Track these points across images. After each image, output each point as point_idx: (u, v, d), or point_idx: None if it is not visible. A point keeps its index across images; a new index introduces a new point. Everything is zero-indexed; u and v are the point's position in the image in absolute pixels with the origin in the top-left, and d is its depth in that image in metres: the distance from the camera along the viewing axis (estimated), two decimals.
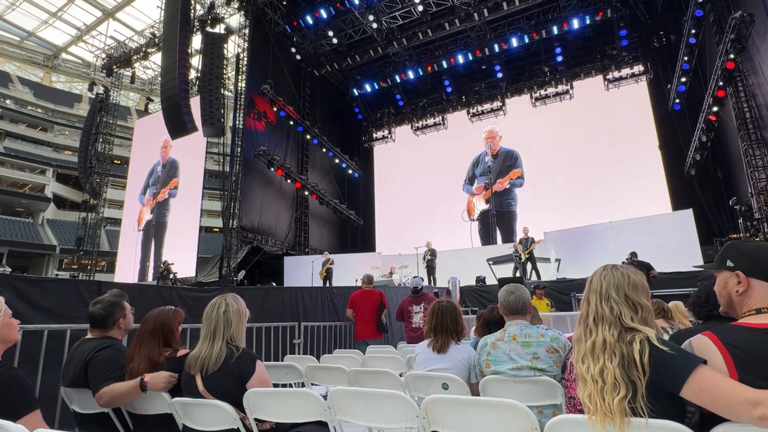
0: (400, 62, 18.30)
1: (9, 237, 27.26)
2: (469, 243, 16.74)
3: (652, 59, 15.99)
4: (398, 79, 18.75)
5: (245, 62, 14.90)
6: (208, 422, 2.12)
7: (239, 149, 14.25)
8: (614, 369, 1.30)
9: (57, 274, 27.18)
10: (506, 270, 11.54)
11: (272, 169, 15.53)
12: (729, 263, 1.40)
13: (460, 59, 17.17)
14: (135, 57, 19.83)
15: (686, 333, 1.90)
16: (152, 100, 25.33)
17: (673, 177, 14.67)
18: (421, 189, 19.53)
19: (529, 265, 11.29)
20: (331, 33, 16.60)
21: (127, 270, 17.92)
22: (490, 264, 11.79)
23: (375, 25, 16.10)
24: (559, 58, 16.99)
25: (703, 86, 12.32)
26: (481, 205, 17.99)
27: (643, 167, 15.29)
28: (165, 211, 17.66)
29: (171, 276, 13.55)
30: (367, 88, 19.44)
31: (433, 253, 12.88)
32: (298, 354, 5.63)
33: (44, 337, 3.16)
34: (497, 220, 16.86)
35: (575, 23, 15.24)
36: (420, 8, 15.26)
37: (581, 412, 1.43)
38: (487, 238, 17.27)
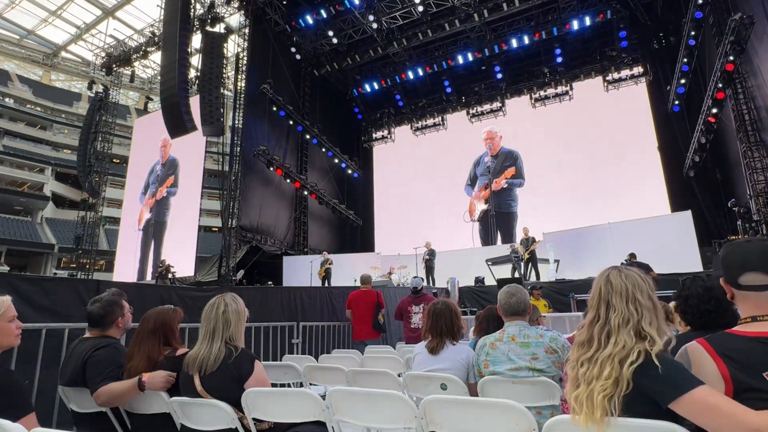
0: (400, 62, 18.30)
1: (7, 236, 27.22)
2: (470, 244, 16.79)
3: (652, 61, 16.01)
4: (398, 80, 18.75)
5: (245, 62, 14.90)
6: (206, 422, 2.12)
7: (239, 149, 14.25)
8: (613, 366, 1.28)
9: (55, 273, 27.14)
10: (505, 271, 11.55)
11: (272, 169, 15.52)
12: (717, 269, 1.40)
13: (460, 60, 17.17)
14: (135, 56, 19.81)
15: (684, 337, 1.88)
16: (152, 99, 25.33)
17: (672, 178, 14.69)
18: (420, 189, 19.52)
19: (529, 266, 11.31)
20: (331, 33, 16.60)
21: (125, 269, 17.90)
22: (489, 265, 11.79)
23: (375, 26, 16.09)
24: (559, 59, 16.98)
25: (703, 88, 12.34)
26: (480, 205, 18.00)
27: (643, 168, 15.30)
28: (165, 210, 17.63)
29: (170, 275, 13.53)
30: (367, 88, 19.44)
31: (431, 253, 12.89)
32: (297, 354, 5.63)
33: (42, 336, 3.16)
34: (497, 220, 16.86)
35: (575, 24, 15.26)
36: (420, 8, 15.25)
37: None
38: (487, 239, 17.28)
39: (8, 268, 24.60)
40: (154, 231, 17.67)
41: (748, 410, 1.11)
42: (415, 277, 6.37)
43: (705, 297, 1.91)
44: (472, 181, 18.60)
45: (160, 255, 16.45)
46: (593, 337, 1.39)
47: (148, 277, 16.67)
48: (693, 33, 11.99)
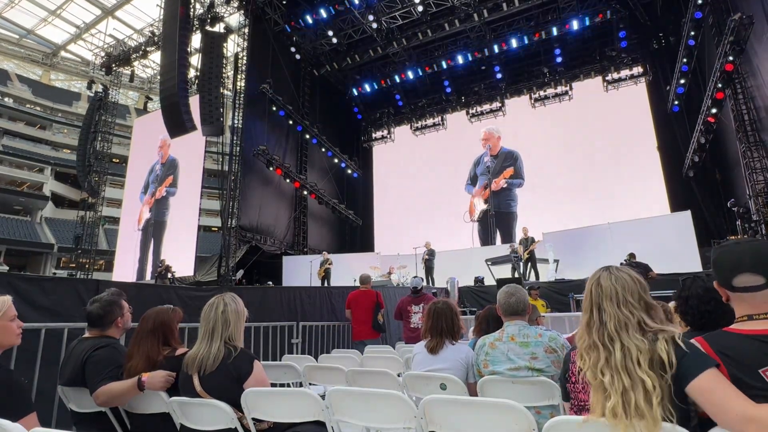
0: (399, 62, 18.30)
1: (7, 235, 27.20)
2: (470, 243, 16.78)
3: (652, 61, 16.01)
4: (398, 79, 18.73)
5: (244, 61, 14.89)
6: (205, 422, 2.12)
7: (238, 148, 14.24)
8: (647, 373, 1.25)
9: (54, 273, 27.13)
10: (505, 271, 11.55)
11: (271, 169, 15.51)
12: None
13: (460, 60, 17.17)
14: (134, 55, 19.80)
15: (684, 337, 1.87)
16: (151, 99, 25.34)
17: (671, 178, 14.69)
18: (420, 189, 19.53)
19: (528, 266, 11.30)
20: (330, 33, 16.60)
21: (125, 269, 17.89)
22: (488, 265, 11.80)
23: (375, 25, 16.09)
24: (559, 59, 16.98)
25: (702, 88, 12.34)
26: (480, 205, 17.99)
27: (642, 168, 15.31)
28: (164, 210, 17.63)
29: (169, 275, 13.52)
30: (367, 88, 19.43)
31: (431, 253, 12.89)
32: (296, 354, 5.63)
33: (42, 336, 3.15)
34: (496, 220, 16.86)
35: (575, 24, 15.25)
36: (420, 8, 15.25)
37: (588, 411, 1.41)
38: (486, 239, 17.29)
39: (8, 268, 24.56)
40: (153, 231, 17.67)
41: (748, 400, 1.13)
42: (414, 277, 6.37)
43: (705, 298, 1.89)
44: (472, 181, 18.60)
45: (160, 255, 16.44)
46: (596, 342, 1.38)
47: (147, 277, 16.66)
48: (692, 33, 11.99)
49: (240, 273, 13.56)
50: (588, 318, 1.43)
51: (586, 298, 1.47)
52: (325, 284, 12.55)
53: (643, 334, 1.32)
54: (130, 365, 2.26)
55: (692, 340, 1.32)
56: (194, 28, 14.37)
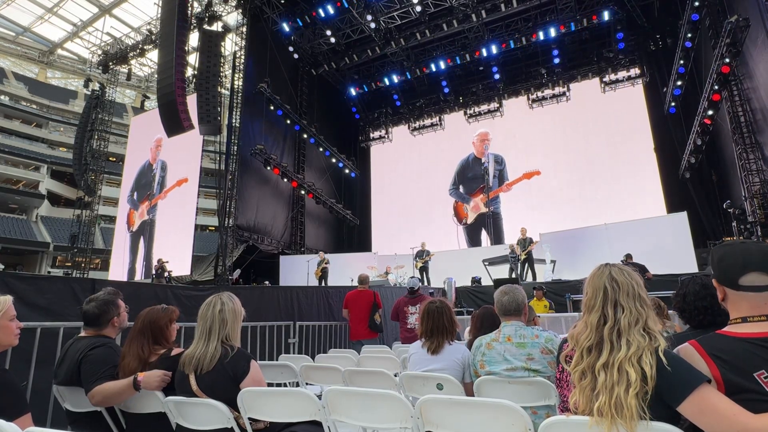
0: (397, 62, 18.30)
1: (2, 234, 27.03)
2: (463, 245, 16.80)
3: (649, 62, 16.08)
4: (396, 80, 18.74)
5: (242, 60, 14.86)
6: (201, 421, 2.11)
7: (236, 147, 14.21)
8: (633, 366, 1.25)
9: (50, 272, 26.99)
10: (502, 271, 11.58)
11: (269, 168, 15.48)
12: (710, 270, 1.38)
13: (458, 60, 17.18)
14: (131, 54, 19.70)
15: (676, 339, 1.87)
16: (148, 98, 25.20)
17: (668, 179, 14.76)
18: (417, 189, 19.54)
19: (525, 266, 11.33)
20: (329, 32, 16.58)
21: (121, 268, 17.84)
22: (485, 265, 11.82)
23: (373, 25, 16.09)
24: (556, 60, 17.02)
25: (699, 90, 12.40)
26: (480, 209, 17.84)
27: (639, 170, 15.37)
28: (153, 209, 17.66)
29: (166, 274, 13.46)
30: (365, 87, 19.41)
31: (427, 253, 12.90)
32: (293, 353, 5.63)
33: (37, 335, 3.14)
34: (485, 223, 16.93)
35: (573, 26, 15.29)
36: (418, 9, 15.26)
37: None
38: (475, 241, 17.34)
39: (3, 267, 24.39)
40: (149, 230, 17.64)
41: (747, 412, 1.11)
42: (412, 278, 6.37)
43: (701, 294, 1.89)
44: (463, 185, 18.56)
45: (152, 254, 16.41)
46: (603, 339, 1.34)
47: (137, 277, 16.61)
48: (689, 35, 12.04)
49: (237, 272, 13.53)
50: (599, 316, 1.37)
51: (596, 296, 1.41)
52: (323, 284, 12.54)
53: (645, 332, 1.32)
54: (123, 365, 2.26)
55: (686, 344, 1.32)
56: (192, 27, 14.33)
